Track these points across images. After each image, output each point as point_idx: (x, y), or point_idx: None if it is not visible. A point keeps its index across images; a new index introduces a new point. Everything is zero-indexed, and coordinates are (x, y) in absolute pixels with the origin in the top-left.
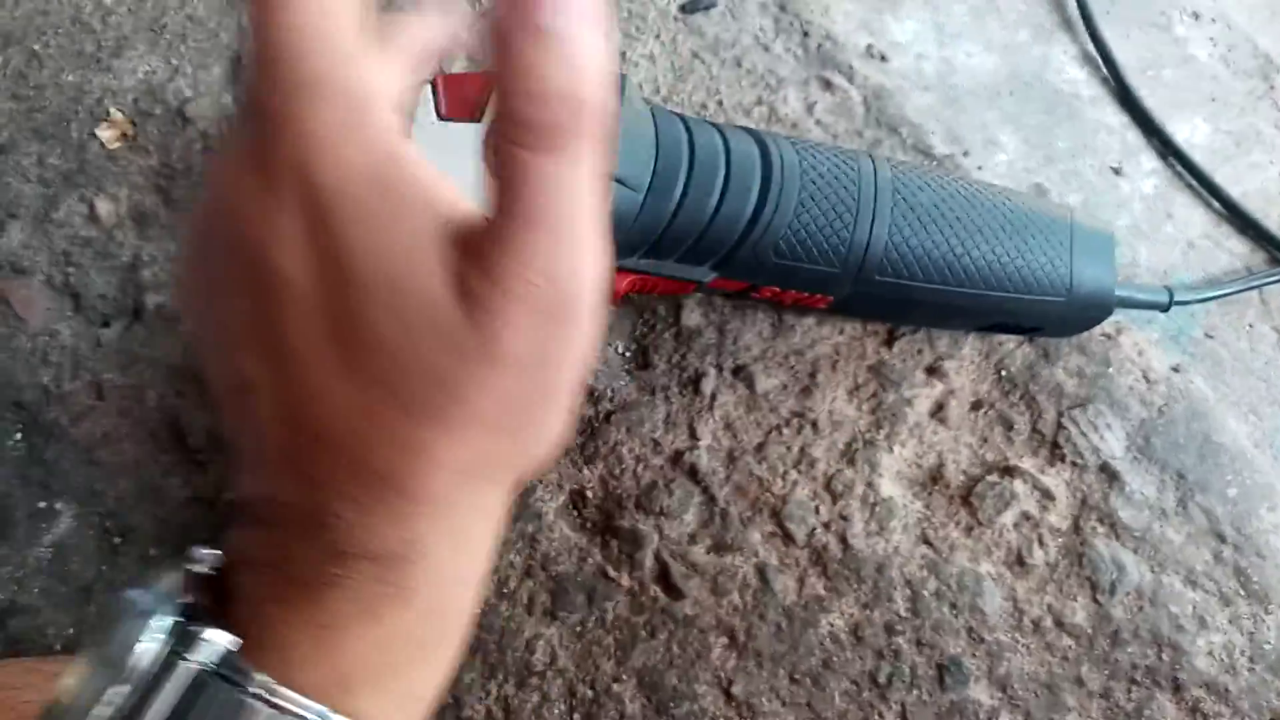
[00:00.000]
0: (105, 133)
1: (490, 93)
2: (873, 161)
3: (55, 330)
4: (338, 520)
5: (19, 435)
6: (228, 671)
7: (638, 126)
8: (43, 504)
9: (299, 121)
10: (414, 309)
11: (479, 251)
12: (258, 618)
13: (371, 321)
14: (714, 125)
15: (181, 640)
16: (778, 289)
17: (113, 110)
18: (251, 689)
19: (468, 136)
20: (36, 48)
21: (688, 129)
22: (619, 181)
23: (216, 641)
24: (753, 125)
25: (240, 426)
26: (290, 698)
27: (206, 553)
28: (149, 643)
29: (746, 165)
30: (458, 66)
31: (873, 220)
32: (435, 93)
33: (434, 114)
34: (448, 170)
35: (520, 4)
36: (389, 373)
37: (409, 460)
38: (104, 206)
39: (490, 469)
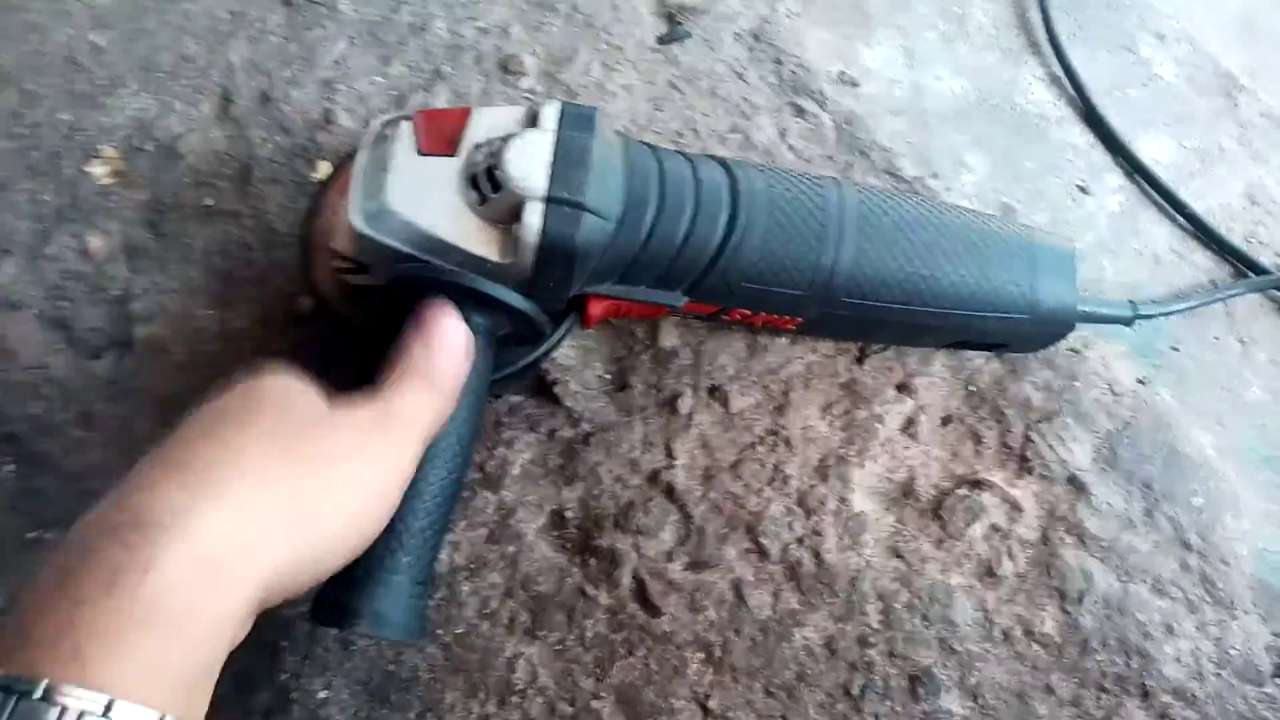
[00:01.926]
0: (97, 169)
1: (466, 128)
2: (839, 187)
3: (46, 363)
4: (127, 497)
5: (11, 466)
6: None
7: (609, 158)
8: (33, 534)
9: None
10: None
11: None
12: (16, 616)
13: None
14: (683, 155)
15: None
16: (748, 312)
17: (105, 147)
18: None
19: (446, 170)
20: (31, 87)
21: (658, 159)
22: (591, 211)
23: None
24: (728, 152)
25: None
26: (14, 680)
27: None
28: None
29: (715, 193)
30: (436, 104)
31: (839, 244)
32: (415, 129)
33: (413, 149)
34: (427, 201)
35: (420, 332)
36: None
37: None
38: (96, 241)
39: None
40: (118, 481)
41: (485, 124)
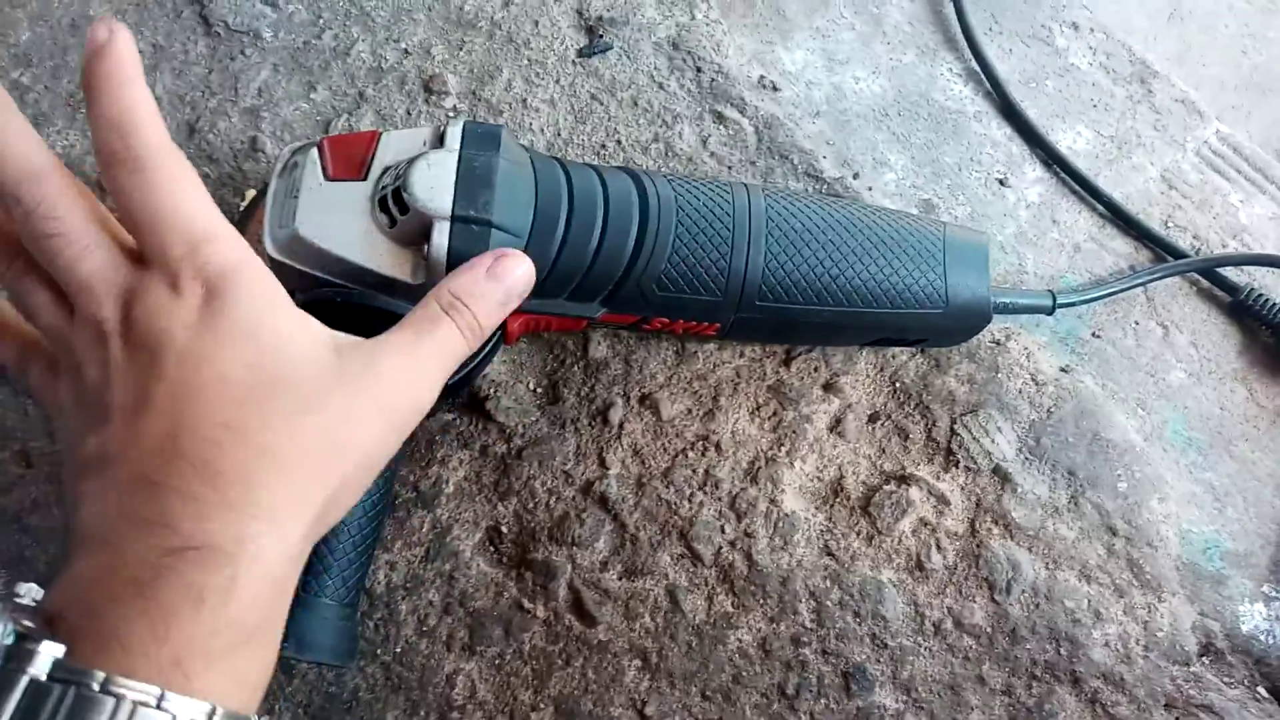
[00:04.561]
0: None
1: (374, 152)
2: (747, 191)
3: None
4: (176, 519)
5: None
6: (65, 675)
7: (515, 174)
8: None
9: None
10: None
11: None
12: (95, 620)
13: None
14: (592, 167)
15: (14, 658)
16: (666, 320)
17: None
18: (91, 685)
19: (355, 194)
20: None
21: (566, 172)
22: (499, 228)
23: (47, 653)
24: (650, 162)
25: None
26: (128, 684)
27: (27, 586)
28: None
29: (624, 204)
30: (361, 127)
31: (748, 249)
32: (322, 155)
33: (321, 175)
34: (337, 226)
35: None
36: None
37: (260, 463)
38: None
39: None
40: (138, 490)
41: (394, 147)
